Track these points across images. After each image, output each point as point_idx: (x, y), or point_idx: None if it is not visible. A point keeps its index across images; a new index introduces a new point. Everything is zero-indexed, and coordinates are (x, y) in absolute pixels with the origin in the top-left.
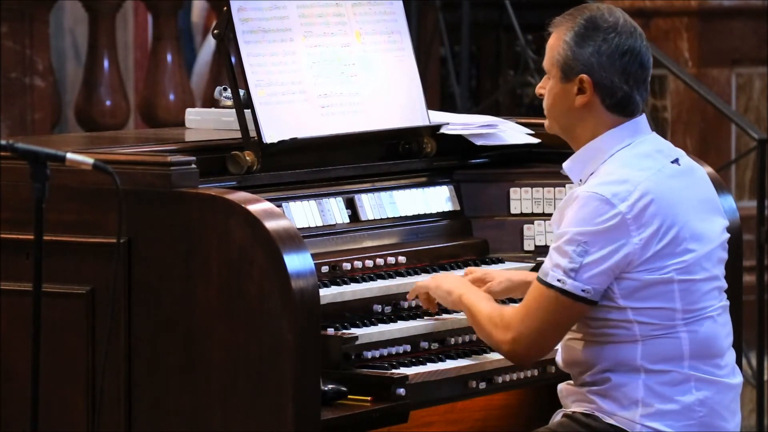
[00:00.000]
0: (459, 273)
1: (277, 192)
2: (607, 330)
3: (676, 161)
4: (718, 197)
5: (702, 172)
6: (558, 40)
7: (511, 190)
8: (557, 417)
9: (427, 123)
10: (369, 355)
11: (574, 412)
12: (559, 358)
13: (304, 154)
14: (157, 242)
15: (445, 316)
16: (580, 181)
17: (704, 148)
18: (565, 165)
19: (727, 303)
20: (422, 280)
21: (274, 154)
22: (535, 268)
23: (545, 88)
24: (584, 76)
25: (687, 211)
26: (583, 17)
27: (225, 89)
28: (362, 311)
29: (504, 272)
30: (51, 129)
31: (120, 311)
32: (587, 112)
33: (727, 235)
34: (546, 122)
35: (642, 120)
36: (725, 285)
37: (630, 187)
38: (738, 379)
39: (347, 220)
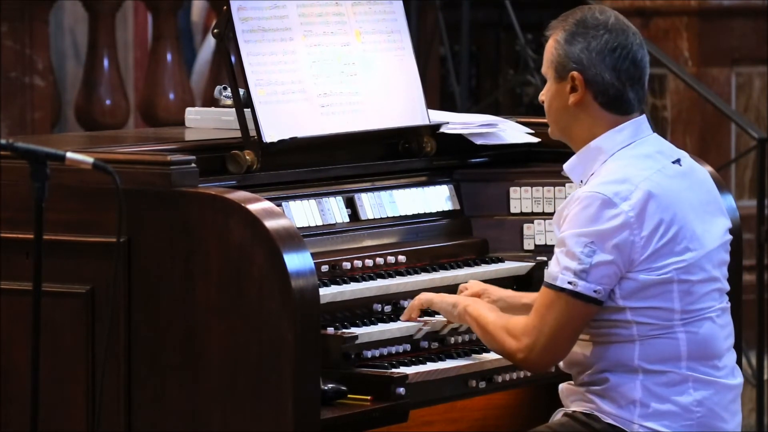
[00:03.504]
0: (458, 273)
1: (276, 191)
2: (605, 330)
3: (677, 162)
4: (720, 198)
5: (704, 173)
6: (552, 42)
7: (511, 189)
8: (557, 416)
9: (426, 122)
10: (369, 354)
11: (574, 412)
12: None
13: (303, 154)
14: (157, 242)
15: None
16: (581, 182)
17: (704, 147)
18: (565, 166)
19: (728, 305)
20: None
21: (273, 153)
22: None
23: (546, 94)
24: (575, 73)
25: (687, 211)
26: (574, 17)
27: (225, 88)
28: (362, 310)
29: (499, 291)
30: (51, 128)
31: (120, 311)
32: (581, 110)
33: (730, 237)
34: (549, 128)
35: (642, 120)
36: (727, 287)
37: (631, 186)
38: (738, 380)
39: (347, 220)
